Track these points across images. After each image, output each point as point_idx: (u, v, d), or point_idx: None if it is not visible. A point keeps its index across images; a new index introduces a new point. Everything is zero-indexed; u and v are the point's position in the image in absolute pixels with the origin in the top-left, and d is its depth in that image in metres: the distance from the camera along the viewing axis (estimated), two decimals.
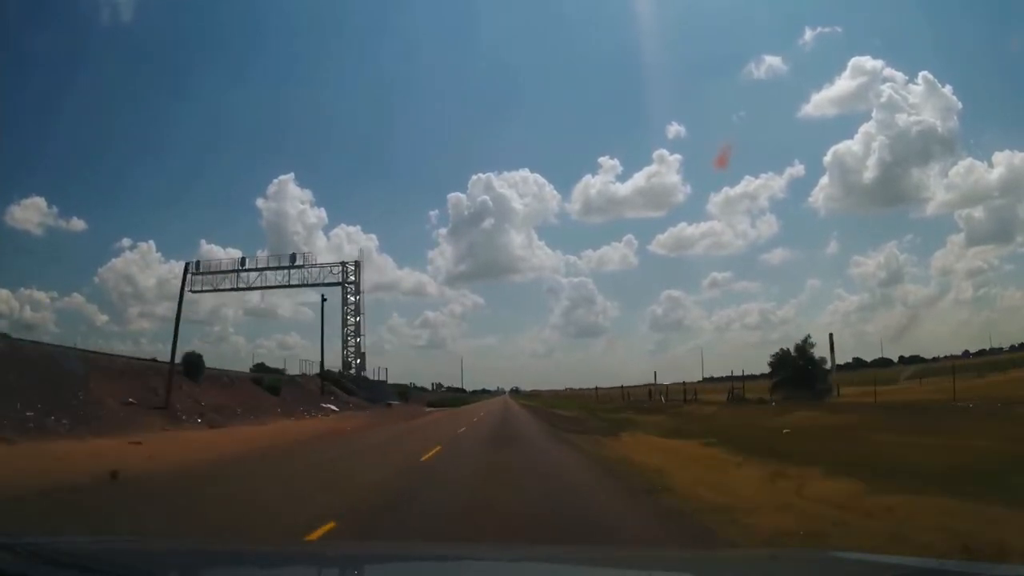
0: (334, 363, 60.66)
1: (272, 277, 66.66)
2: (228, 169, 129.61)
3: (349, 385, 56.59)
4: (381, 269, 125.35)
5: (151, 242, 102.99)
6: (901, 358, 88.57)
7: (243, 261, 68.53)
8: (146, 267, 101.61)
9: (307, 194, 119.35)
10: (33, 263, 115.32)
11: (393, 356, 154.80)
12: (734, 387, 46.93)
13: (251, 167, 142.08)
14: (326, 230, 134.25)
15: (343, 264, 64.93)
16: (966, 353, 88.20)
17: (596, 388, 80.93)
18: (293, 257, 66.81)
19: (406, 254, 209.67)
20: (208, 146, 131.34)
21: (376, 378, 64.77)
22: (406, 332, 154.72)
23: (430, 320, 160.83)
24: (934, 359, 77.27)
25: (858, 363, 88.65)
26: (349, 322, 63.11)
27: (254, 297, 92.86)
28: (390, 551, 3.68)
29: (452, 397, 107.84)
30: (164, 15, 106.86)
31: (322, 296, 57.33)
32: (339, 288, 64.07)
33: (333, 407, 44.51)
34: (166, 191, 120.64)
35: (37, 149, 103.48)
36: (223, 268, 69.29)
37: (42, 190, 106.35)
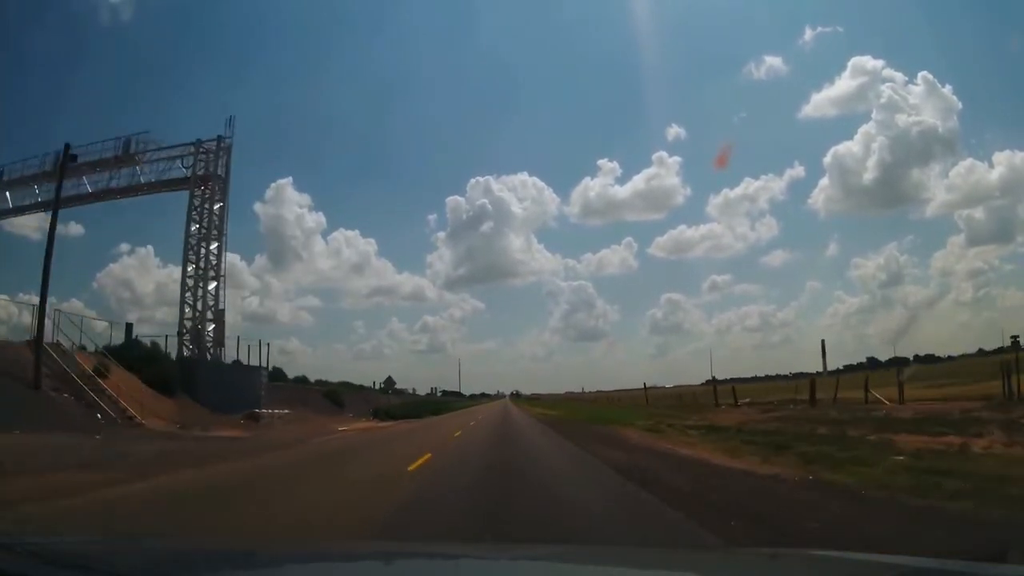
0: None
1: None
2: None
3: (170, 375, 25.96)
4: (380, 273, 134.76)
5: (149, 247, 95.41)
6: (916, 356, 79.86)
7: (60, 162, 38.26)
8: (144, 272, 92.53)
9: (305, 198, 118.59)
10: (31, 269, 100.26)
11: (392, 361, 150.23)
12: None
13: (249, 171, 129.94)
14: (324, 234, 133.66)
15: (196, 146, 34.32)
16: (980, 351, 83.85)
17: (645, 386, 49.70)
18: (127, 144, 36.44)
19: (405, 258, 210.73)
20: None
21: (257, 361, 33.76)
22: (405, 337, 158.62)
23: (429, 325, 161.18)
24: (948, 358, 73.20)
25: (873, 363, 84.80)
26: (201, 253, 32.51)
27: (252, 303, 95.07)
28: (390, 551, 3.64)
29: (428, 403, 76.86)
30: (162, 17, 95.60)
31: None
32: (194, 192, 33.75)
33: None
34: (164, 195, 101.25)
35: (34, 152, 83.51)
36: (28, 173, 39.76)
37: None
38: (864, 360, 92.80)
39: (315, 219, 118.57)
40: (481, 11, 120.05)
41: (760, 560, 2.87)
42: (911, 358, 78.14)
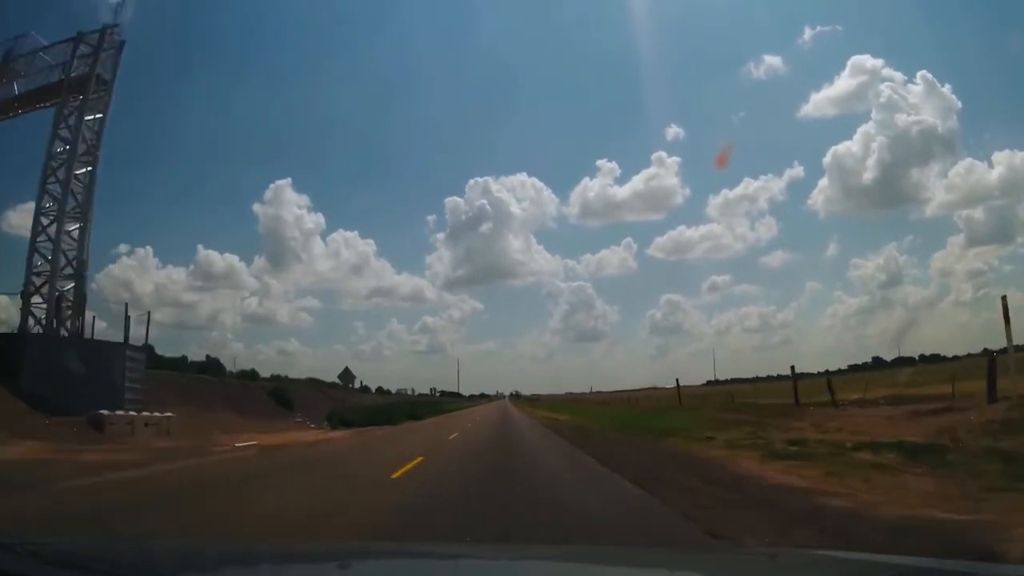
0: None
1: None
2: (225, 174, 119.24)
3: None
4: (379, 274, 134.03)
5: (148, 248, 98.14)
6: (922, 356, 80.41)
7: None
8: (143, 273, 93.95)
9: (304, 199, 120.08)
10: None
11: (392, 362, 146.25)
12: None
13: (248, 172, 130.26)
14: (323, 235, 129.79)
15: (76, 41, 24.38)
16: (985, 351, 79.51)
17: (678, 383, 40.45)
18: (7, 53, 26.74)
19: (404, 259, 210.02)
20: (205, 151, 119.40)
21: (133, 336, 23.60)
22: (405, 338, 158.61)
23: (429, 325, 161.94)
24: (954, 358, 70.91)
25: (878, 363, 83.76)
26: (66, 182, 22.56)
27: (252, 303, 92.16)
28: (390, 551, 3.58)
29: (417, 404, 67.20)
30: (162, 19, 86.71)
31: None
32: (68, 100, 23.93)
33: None
34: (163, 196, 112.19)
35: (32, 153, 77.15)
36: None
37: (38, 195, 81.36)
38: (869, 360, 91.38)
39: (314, 220, 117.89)
40: (481, 11, 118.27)
41: (760, 560, 2.78)
42: (916, 358, 78.45)
